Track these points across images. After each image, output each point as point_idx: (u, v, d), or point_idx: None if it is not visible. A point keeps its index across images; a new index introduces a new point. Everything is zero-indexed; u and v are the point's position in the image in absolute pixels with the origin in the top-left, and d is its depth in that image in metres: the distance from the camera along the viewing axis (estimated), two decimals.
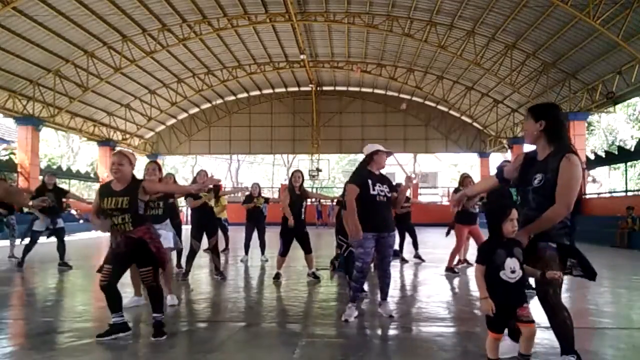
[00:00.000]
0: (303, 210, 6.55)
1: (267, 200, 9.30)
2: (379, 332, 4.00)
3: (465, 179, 7.06)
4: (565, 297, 5.61)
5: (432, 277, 7.19)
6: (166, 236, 4.88)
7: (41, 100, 18.63)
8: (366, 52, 21.89)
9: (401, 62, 22.45)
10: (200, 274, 7.10)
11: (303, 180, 6.68)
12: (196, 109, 28.14)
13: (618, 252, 11.50)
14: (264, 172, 50.33)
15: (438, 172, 47.22)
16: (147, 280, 3.75)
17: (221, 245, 10.99)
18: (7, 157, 22.34)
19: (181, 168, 46.68)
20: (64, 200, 8.25)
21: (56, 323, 4.24)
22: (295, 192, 6.50)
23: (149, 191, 3.85)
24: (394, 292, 5.90)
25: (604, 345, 3.62)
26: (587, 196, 18.58)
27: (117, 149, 25.03)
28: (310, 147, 28.04)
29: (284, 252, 6.53)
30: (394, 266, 8.31)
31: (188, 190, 4.54)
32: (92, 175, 25.63)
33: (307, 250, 6.59)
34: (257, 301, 5.40)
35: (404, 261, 8.87)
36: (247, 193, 9.30)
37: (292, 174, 6.69)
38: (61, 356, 3.27)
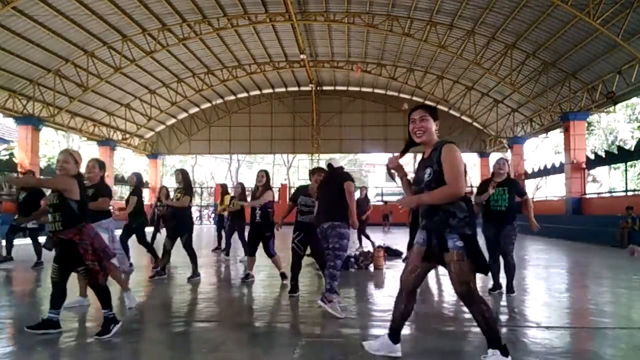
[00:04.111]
0: (260, 211, 6.28)
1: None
2: (379, 332, 3.99)
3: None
4: (565, 297, 5.63)
5: (432, 277, 7.18)
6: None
7: (41, 100, 18.62)
8: (366, 51, 21.89)
9: (401, 61, 22.44)
10: (200, 274, 7.08)
11: (268, 180, 6.42)
12: (196, 109, 28.14)
13: (618, 252, 11.49)
14: None
15: None
16: (88, 279, 3.71)
17: (216, 244, 11.06)
18: (7, 157, 22.32)
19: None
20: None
21: None
22: (255, 194, 6.39)
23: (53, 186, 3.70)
24: (394, 291, 5.89)
25: (604, 345, 3.62)
26: (587, 196, 18.57)
27: (117, 148, 25.18)
28: (310, 147, 28.05)
29: (250, 252, 6.49)
30: (395, 266, 8.34)
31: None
32: None
33: (268, 254, 6.39)
34: (257, 301, 5.40)
35: (405, 260, 8.87)
36: (240, 191, 9.17)
37: (258, 173, 6.40)
38: (61, 356, 3.27)
